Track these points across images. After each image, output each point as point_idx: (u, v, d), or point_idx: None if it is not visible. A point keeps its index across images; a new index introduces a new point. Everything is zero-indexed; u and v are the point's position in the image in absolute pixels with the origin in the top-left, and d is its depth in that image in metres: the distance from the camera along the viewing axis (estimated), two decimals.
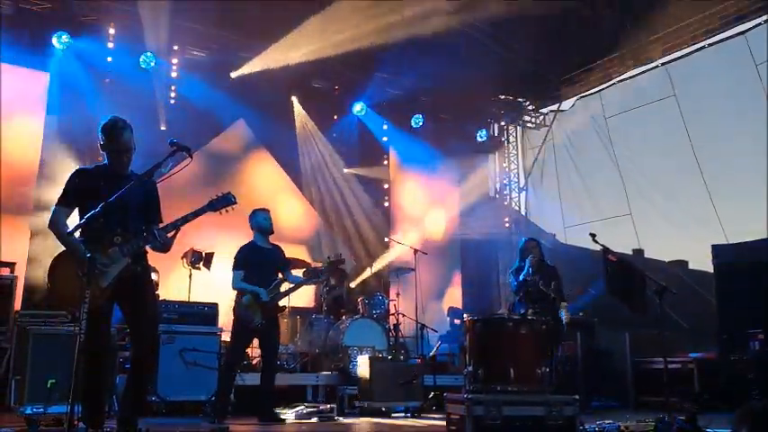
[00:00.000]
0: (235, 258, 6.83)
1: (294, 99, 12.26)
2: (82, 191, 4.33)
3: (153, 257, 4.60)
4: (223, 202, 4.56)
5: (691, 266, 11.50)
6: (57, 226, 4.25)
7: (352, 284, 11.39)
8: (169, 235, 4.32)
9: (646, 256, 11.78)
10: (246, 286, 6.62)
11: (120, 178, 4.33)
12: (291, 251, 10.73)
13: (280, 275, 6.79)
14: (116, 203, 4.05)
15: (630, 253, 11.50)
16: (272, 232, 6.93)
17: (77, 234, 4.15)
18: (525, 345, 4.99)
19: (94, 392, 4.24)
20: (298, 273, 7.47)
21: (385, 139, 13.35)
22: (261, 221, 6.84)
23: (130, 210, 4.31)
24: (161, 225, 4.38)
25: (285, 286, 6.80)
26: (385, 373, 7.64)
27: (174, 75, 10.95)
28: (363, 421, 7.15)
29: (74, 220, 4.30)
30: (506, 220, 14.70)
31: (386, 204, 13.31)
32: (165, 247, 4.36)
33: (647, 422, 5.68)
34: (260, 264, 6.72)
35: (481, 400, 4.42)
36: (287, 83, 11.86)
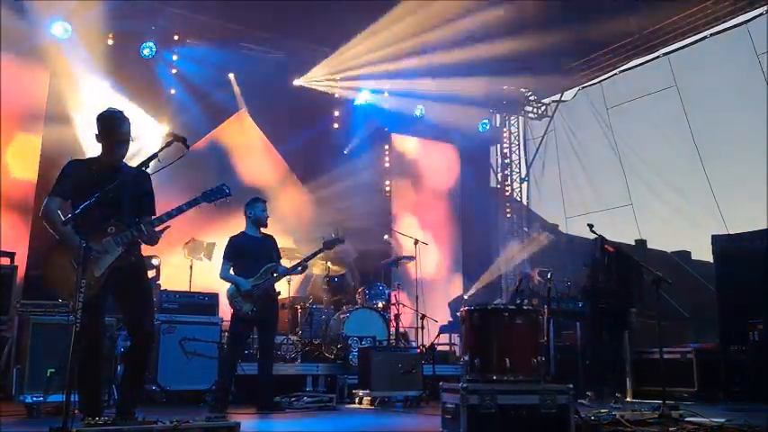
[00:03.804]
0: (225, 249, 6.82)
1: (297, 84, 12.28)
2: (75, 181, 4.34)
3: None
4: (217, 193, 4.55)
5: (693, 257, 11.46)
6: (50, 216, 4.25)
7: (353, 274, 11.38)
8: (159, 228, 4.32)
9: (648, 246, 11.75)
10: (230, 277, 6.62)
11: (114, 169, 4.35)
12: (290, 241, 10.81)
13: (269, 264, 6.72)
14: (111, 194, 4.06)
15: (633, 243, 11.47)
16: (266, 225, 6.88)
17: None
18: (521, 334, 4.99)
19: (91, 381, 4.28)
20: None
21: (386, 128, 13.33)
22: (259, 213, 6.77)
23: (124, 200, 4.31)
24: (155, 216, 4.38)
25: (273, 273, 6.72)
26: (385, 362, 7.65)
27: (174, 65, 10.96)
28: (362, 410, 7.19)
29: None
30: (508, 210, 14.70)
31: (387, 194, 13.31)
32: (151, 241, 4.35)
33: (643, 411, 5.70)
34: (251, 254, 6.68)
35: (476, 389, 4.43)
36: (288, 72, 11.88)
